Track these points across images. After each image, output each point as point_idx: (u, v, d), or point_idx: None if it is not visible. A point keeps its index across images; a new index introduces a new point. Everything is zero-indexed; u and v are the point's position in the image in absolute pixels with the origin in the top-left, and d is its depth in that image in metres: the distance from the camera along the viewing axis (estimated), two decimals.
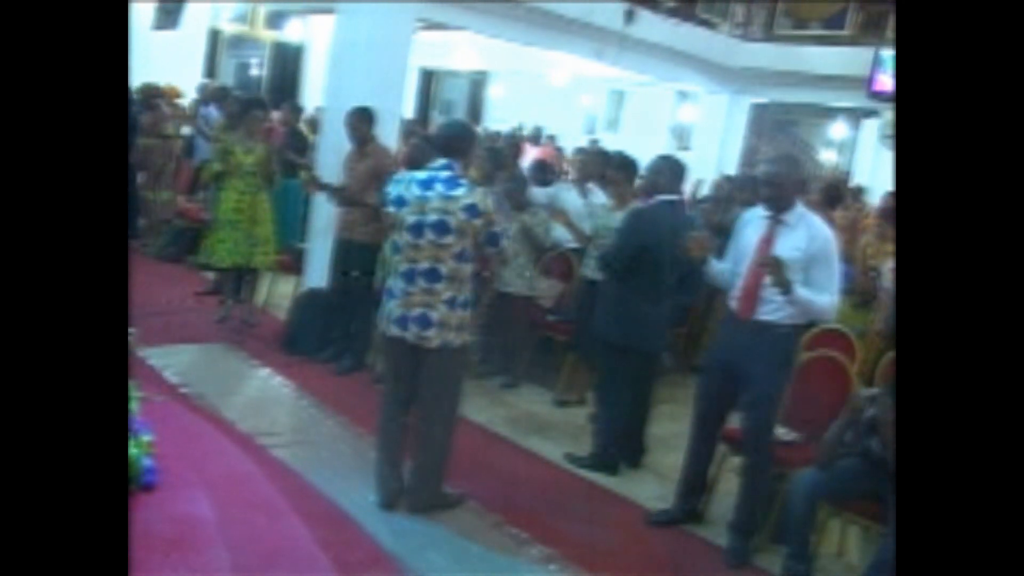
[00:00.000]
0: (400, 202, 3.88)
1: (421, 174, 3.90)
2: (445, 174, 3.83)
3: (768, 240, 3.91)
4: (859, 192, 10.52)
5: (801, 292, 3.80)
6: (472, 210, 3.76)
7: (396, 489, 4.04)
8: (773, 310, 3.89)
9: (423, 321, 3.84)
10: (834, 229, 4.13)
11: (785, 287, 3.77)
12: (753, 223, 4.04)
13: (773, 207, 3.94)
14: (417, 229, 3.81)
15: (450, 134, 4.05)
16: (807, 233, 3.86)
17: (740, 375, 3.99)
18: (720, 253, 4.24)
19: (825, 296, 3.86)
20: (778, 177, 3.93)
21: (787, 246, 3.86)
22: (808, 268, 3.84)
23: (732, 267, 4.09)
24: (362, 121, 5.78)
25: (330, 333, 6.04)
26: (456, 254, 3.80)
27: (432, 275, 3.82)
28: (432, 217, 3.77)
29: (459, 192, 3.77)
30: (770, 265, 3.77)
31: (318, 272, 6.46)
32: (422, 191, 3.82)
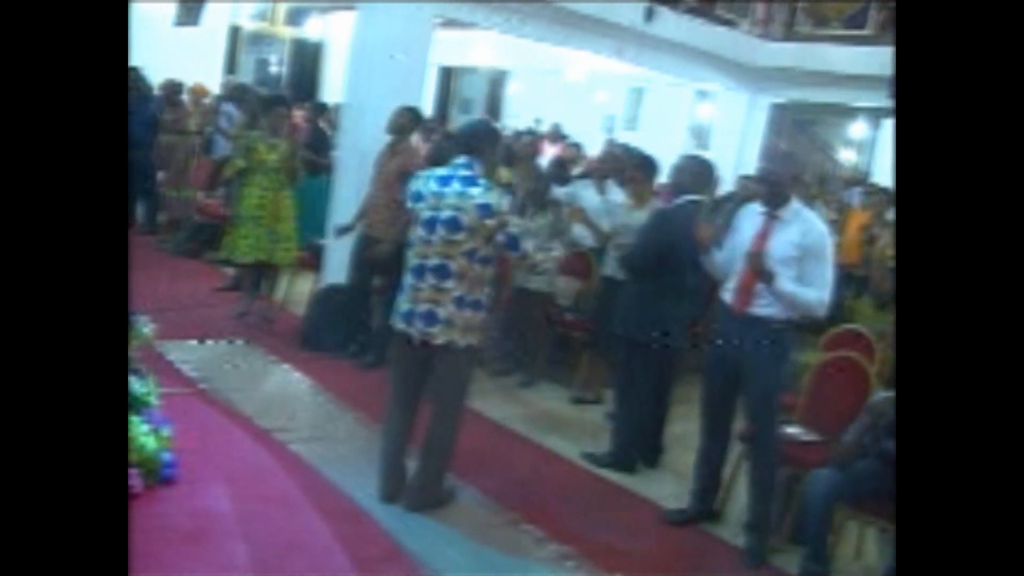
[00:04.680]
0: (417, 197, 3.90)
1: (442, 171, 3.91)
2: (464, 172, 3.83)
3: (763, 235, 3.94)
4: (878, 192, 10.44)
5: (785, 285, 3.83)
6: (485, 209, 3.74)
7: (397, 484, 4.04)
8: (767, 304, 3.92)
9: (429, 317, 3.83)
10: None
11: (766, 279, 3.81)
12: (750, 218, 4.08)
13: (769, 203, 3.97)
14: (430, 225, 3.82)
15: (472, 132, 4.05)
16: (800, 228, 3.90)
17: (739, 370, 4.01)
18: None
19: (813, 292, 3.87)
20: (773, 174, 4.02)
21: (781, 241, 3.90)
22: (802, 263, 3.88)
23: (728, 261, 4.10)
24: (407, 118, 5.85)
25: (351, 329, 6.07)
26: (467, 252, 3.79)
27: (441, 272, 3.80)
28: (445, 213, 3.77)
29: (475, 190, 3.76)
30: (753, 262, 3.82)
31: (337, 269, 6.48)
32: (439, 187, 3.82)
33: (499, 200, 3.79)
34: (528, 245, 3.87)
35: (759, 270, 3.82)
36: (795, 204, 3.98)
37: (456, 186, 3.79)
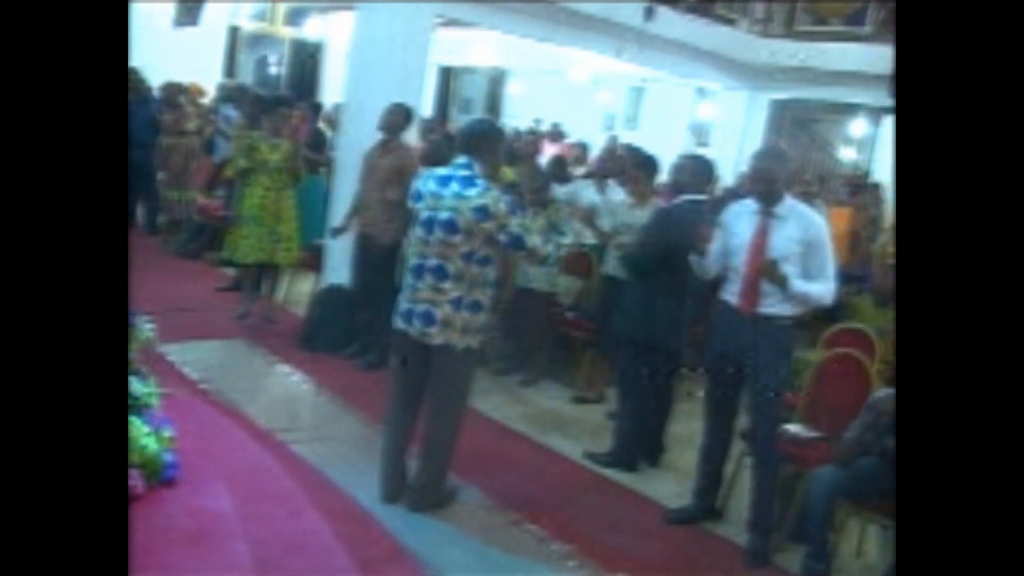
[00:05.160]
0: (417, 196, 3.90)
1: (442, 170, 3.89)
2: (463, 173, 3.80)
3: (762, 234, 3.93)
4: (878, 189, 10.43)
5: (799, 285, 3.84)
6: (482, 211, 3.70)
7: (398, 484, 4.04)
8: (774, 303, 3.92)
9: (426, 318, 3.82)
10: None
11: (783, 285, 3.81)
12: (744, 217, 4.04)
13: (764, 201, 3.95)
14: (428, 225, 3.81)
15: (472, 132, 4.00)
16: (799, 224, 3.91)
17: (744, 369, 4.00)
18: None
19: (821, 284, 3.91)
20: (767, 172, 3.96)
21: (781, 238, 3.90)
22: (806, 257, 3.89)
23: (723, 260, 4.09)
24: (400, 115, 5.83)
25: (352, 329, 6.07)
26: (464, 254, 3.77)
27: (439, 272, 3.79)
28: (443, 215, 3.75)
29: (471, 192, 3.73)
30: (766, 270, 3.82)
31: (337, 269, 6.49)
32: (438, 187, 3.81)
33: (496, 202, 3.73)
34: (535, 240, 3.83)
35: (774, 277, 3.81)
36: (789, 200, 3.97)
37: (454, 187, 3.76)
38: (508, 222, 3.76)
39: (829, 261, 3.95)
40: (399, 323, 3.95)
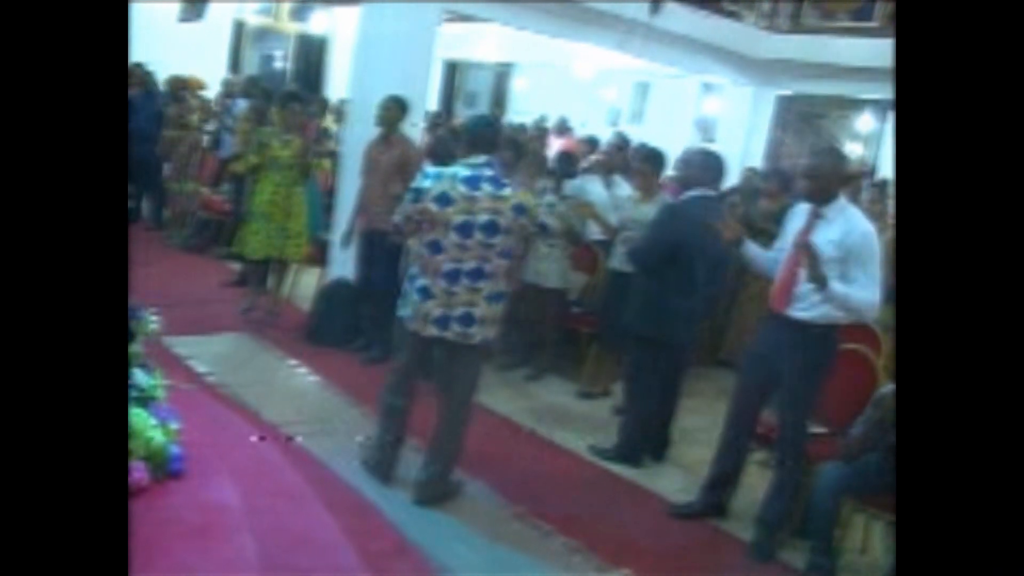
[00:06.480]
0: (444, 200, 3.78)
1: (464, 171, 3.84)
2: (489, 172, 3.82)
3: (805, 233, 3.82)
4: (884, 185, 10.40)
5: (837, 287, 3.67)
6: (520, 209, 3.80)
7: (387, 464, 4.12)
8: (810, 307, 3.80)
9: (466, 320, 3.84)
10: None
11: (820, 280, 3.65)
12: (798, 216, 3.97)
13: (813, 200, 3.86)
14: (465, 229, 3.77)
15: (480, 129, 3.99)
16: (843, 227, 3.74)
17: (777, 372, 3.94)
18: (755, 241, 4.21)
19: (864, 293, 3.70)
20: (817, 170, 3.84)
21: (822, 240, 3.74)
22: (845, 263, 3.72)
23: (777, 260, 4.01)
24: (395, 109, 5.83)
25: (357, 323, 6.08)
26: (500, 252, 3.82)
27: (477, 274, 3.81)
28: (482, 218, 3.75)
29: (506, 192, 3.79)
30: (805, 252, 3.67)
31: (342, 263, 6.49)
32: (469, 190, 3.77)
33: (528, 197, 3.87)
34: (554, 221, 3.94)
35: (813, 271, 3.64)
36: (841, 201, 3.83)
37: (487, 188, 3.77)
38: (539, 214, 3.89)
39: (874, 273, 3.73)
40: (431, 330, 3.88)
